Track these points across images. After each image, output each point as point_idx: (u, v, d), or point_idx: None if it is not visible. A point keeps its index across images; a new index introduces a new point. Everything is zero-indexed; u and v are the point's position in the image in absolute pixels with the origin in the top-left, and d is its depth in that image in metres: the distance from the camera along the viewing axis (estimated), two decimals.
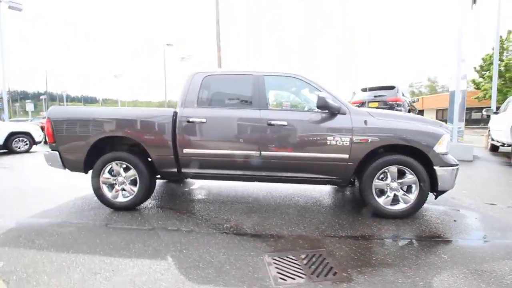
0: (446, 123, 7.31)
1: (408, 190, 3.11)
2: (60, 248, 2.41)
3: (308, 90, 3.39)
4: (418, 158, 3.04)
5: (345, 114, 3.12)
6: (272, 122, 3.13)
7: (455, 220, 3.10)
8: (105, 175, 3.36)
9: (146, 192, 3.35)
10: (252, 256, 2.30)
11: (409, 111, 8.90)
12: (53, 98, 54.17)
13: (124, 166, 3.34)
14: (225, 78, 3.44)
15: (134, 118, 3.32)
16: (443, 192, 3.11)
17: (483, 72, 24.96)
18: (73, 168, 3.51)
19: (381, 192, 3.14)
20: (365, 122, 3.07)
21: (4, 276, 2.01)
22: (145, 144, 3.28)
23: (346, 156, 3.07)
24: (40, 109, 44.84)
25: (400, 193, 3.11)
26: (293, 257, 2.30)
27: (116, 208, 3.36)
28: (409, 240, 2.64)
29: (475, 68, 25.57)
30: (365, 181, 3.09)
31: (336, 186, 4.38)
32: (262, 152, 3.15)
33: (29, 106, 32.43)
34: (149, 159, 3.37)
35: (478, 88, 25.56)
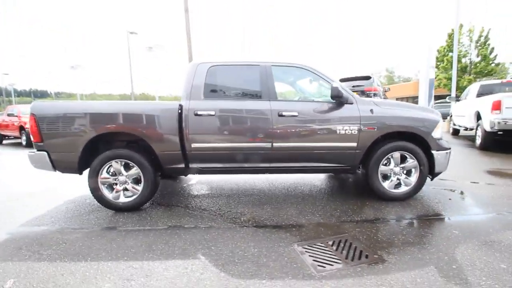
0: None
1: (408, 173, 3.33)
2: (75, 257, 2.20)
3: (314, 80, 3.43)
4: (417, 143, 3.26)
5: (352, 104, 3.21)
6: (283, 113, 3.12)
7: (450, 199, 3.40)
8: (104, 175, 3.12)
9: (151, 190, 3.17)
10: (282, 247, 2.31)
11: None
12: None
13: (124, 164, 3.12)
14: (230, 69, 3.33)
15: (138, 112, 3.10)
16: (438, 174, 3.39)
17: (438, 63, 27.19)
18: (65, 170, 3.20)
19: (384, 177, 3.33)
20: (371, 111, 3.20)
21: None
22: (150, 139, 3.09)
23: (354, 144, 3.18)
24: None
25: (402, 177, 3.32)
26: (322, 244, 2.36)
27: (120, 209, 3.14)
28: (420, 219, 2.84)
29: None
30: (372, 167, 3.24)
31: (331, 174, 4.54)
32: (274, 144, 3.14)
33: None
34: (153, 156, 3.19)
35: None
